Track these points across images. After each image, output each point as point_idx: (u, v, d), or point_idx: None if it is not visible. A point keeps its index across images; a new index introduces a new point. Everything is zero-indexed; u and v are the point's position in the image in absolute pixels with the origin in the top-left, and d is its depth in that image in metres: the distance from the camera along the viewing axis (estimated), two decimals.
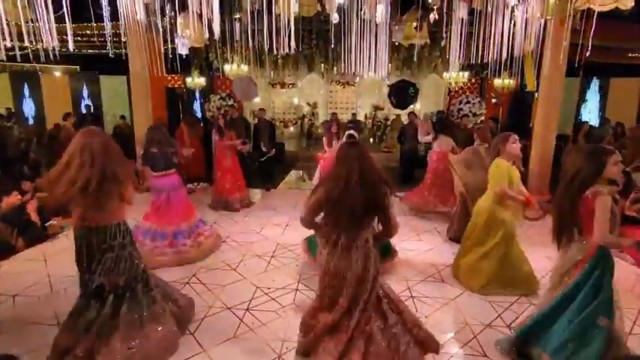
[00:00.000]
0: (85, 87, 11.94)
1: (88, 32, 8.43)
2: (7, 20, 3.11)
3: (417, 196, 5.72)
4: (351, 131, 3.79)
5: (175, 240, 4.05)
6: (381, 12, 4.36)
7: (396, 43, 5.87)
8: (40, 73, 11.14)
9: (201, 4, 3.49)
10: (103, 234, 2.38)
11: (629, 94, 10.50)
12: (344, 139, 3.80)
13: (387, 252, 3.87)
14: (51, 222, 4.85)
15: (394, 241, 4.63)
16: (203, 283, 3.63)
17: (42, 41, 3.30)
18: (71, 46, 3.05)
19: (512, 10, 4.39)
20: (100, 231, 2.38)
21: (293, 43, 3.18)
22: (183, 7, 4.29)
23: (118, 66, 8.81)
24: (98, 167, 2.24)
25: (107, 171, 2.26)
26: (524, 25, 4.42)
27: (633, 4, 3.54)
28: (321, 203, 2.24)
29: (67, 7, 3.33)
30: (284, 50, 3.23)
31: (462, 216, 4.54)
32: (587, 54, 3.75)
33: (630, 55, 9.23)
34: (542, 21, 4.73)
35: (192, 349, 2.69)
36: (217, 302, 3.30)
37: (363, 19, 4.49)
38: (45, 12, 3.07)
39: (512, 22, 4.45)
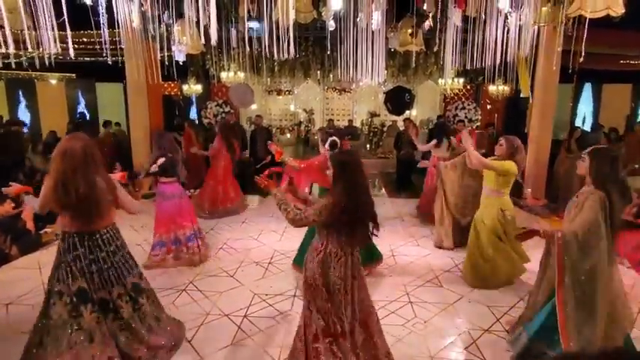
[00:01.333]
0: (81, 94, 11.93)
1: (85, 40, 8.45)
2: (5, 27, 3.11)
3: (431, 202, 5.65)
4: (334, 137, 3.66)
5: (176, 246, 4.08)
6: (377, 19, 4.41)
7: (392, 50, 5.92)
8: (35, 80, 11.12)
9: (198, 11, 3.51)
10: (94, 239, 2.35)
11: (621, 99, 10.66)
12: (326, 146, 3.69)
13: (373, 257, 3.86)
14: (45, 230, 4.81)
15: (391, 246, 4.65)
16: (200, 290, 3.60)
17: (40, 48, 3.30)
18: (72, 52, 3.05)
19: (506, 17, 4.45)
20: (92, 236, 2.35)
21: (292, 49, 3.19)
22: (181, 14, 4.33)
23: (115, 73, 8.82)
24: (79, 173, 2.21)
25: (86, 177, 2.22)
26: (517, 31, 4.49)
27: (624, 10, 3.59)
28: (331, 211, 2.10)
29: (66, 14, 3.34)
30: (282, 55, 3.24)
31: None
32: (581, 60, 3.80)
33: (622, 61, 9.36)
34: (536, 28, 4.80)
35: (190, 357, 2.65)
36: (214, 309, 3.27)
37: (359, 26, 4.54)
38: (45, 18, 3.08)
39: (506, 28, 4.51)
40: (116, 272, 2.42)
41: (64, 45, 3.46)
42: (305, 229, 3.73)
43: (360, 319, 2.24)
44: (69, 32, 3.23)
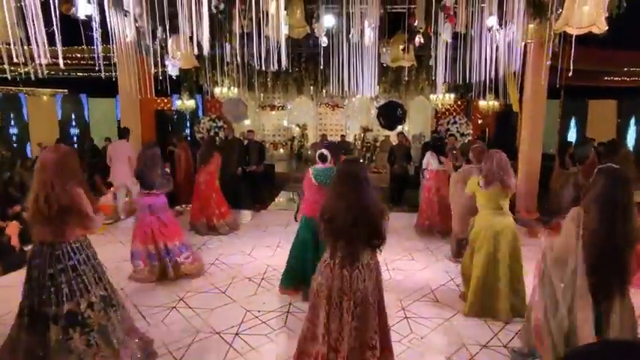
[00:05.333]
0: (72, 110, 11.88)
1: (78, 55, 8.45)
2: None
3: (429, 219, 5.64)
4: (322, 150, 3.74)
5: (161, 258, 4.00)
6: (369, 35, 4.49)
7: (384, 65, 6.01)
8: (26, 95, 11.06)
9: (192, 26, 3.54)
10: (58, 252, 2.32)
11: (607, 115, 10.92)
12: (317, 158, 3.75)
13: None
14: (31, 246, 4.67)
15: (386, 260, 4.60)
16: (191, 307, 3.49)
17: (32, 61, 3.27)
18: (61, 62, 3.03)
19: (495, 34, 4.56)
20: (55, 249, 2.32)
21: (284, 61, 3.20)
22: (174, 29, 4.35)
23: (107, 89, 8.80)
24: (49, 184, 2.22)
25: (56, 188, 2.22)
26: (506, 47, 4.59)
27: (607, 27, 3.70)
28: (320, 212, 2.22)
29: (57, 27, 3.33)
30: (274, 67, 3.25)
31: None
32: (569, 75, 3.88)
33: (606, 78, 9.64)
34: (523, 44, 4.92)
35: None
36: (205, 327, 3.17)
37: (352, 43, 4.61)
38: (35, 32, 3.06)
39: (495, 45, 4.61)
40: (80, 285, 2.35)
41: (55, 59, 3.45)
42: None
43: (353, 345, 2.14)
44: (59, 46, 3.21)
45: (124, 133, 6.81)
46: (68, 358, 2.28)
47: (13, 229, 4.38)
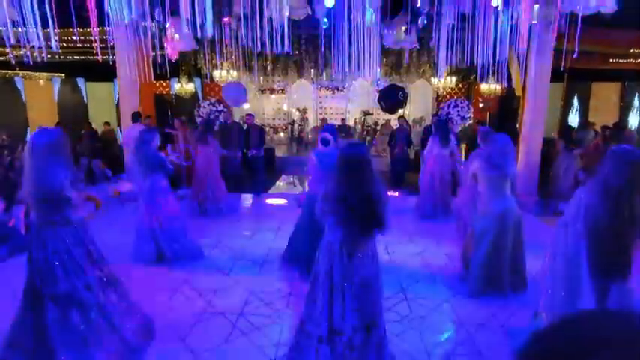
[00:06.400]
0: (70, 94, 11.77)
1: (75, 38, 8.30)
2: None
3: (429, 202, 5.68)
4: (326, 134, 3.68)
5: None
6: (371, 16, 4.42)
7: (386, 47, 5.92)
8: (23, 79, 10.94)
9: (193, 6, 3.48)
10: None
11: (610, 97, 10.81)
12: (320, 142, 3.72)
13: None
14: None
15: (385, 242, 4.65)
16: (194, 288, 3.56)
17: (29, 45, 3.24)
18: (54, 45, 3.00)
19: (498, 15, 4.48)
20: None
21: (286, 43, 3.17)
22: (173, 11, 4.27)
23: (105, 73, 8.69)
24: (40, 167, 2.23)
25: (44, 170, 2.23)
26: (510, 29, 4.52)
27: (616, 7, 3.63)
28: (325, 198, 2.19)
29: (52, 10, 3.28)
30: (277, 49, 3.21)
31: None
32: (574, 57, 3.84)
33: (611, 60, 9.50)
34: (527, 25, 4.84)
35: (183, 356, 2.62)
36: (209, 307, 3.24)
37: (353, 24, 4.54)
38: (33, 13, 3.02)
39: (499, 26, 4.54)
40: (76, 266, 2.39)
41: (52, 42, 3.40)
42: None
43: (355, 326, 2.17)
44: (52, 28, 3.17)
45: (136, 117, 6.75)
46: (71, 337, 2.33)
47: (18, 212, 4.42)
